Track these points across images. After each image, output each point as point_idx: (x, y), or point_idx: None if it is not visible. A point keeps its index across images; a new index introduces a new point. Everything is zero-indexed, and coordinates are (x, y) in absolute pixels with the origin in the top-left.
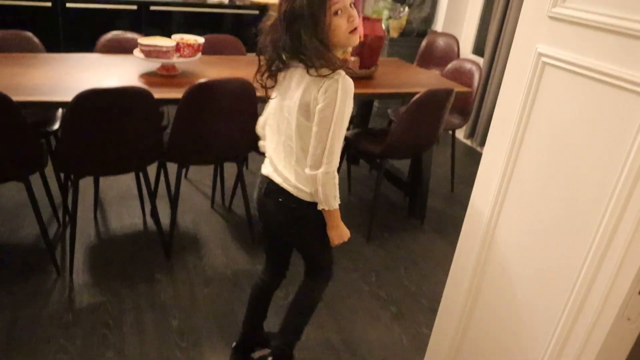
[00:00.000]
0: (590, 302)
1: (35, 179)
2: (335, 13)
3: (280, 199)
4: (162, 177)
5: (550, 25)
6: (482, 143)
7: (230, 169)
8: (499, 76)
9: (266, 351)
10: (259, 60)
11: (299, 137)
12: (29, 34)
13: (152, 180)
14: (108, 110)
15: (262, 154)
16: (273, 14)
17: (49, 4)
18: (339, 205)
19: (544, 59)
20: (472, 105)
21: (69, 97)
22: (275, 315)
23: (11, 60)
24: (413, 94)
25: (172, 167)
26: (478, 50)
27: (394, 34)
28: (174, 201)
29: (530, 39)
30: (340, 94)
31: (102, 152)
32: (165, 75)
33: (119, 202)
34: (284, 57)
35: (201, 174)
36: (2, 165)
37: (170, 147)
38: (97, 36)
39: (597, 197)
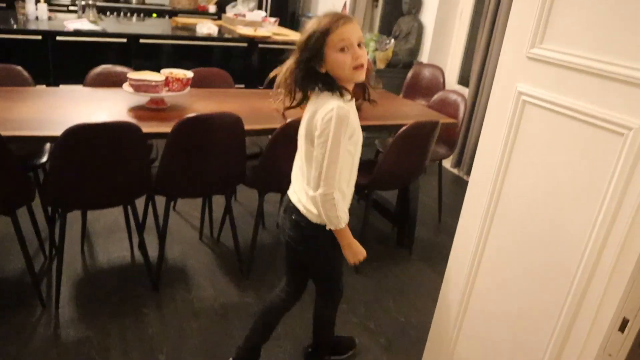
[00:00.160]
0: (572, 339)
1: (21, 211)
2: (342, 50)
3: (293, 216)
4: (150, 209)
5: (529, 65)
6: (469, 172)
7: (219, 200)
8: (484, 106)
9: None
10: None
11: (307, 162)
12: (19, 68)
13: (140, 212)
14: (96, 145)
15: (250, 187)
16: (295, 51)
17: (39, 37)
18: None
19: (524, 97)
20: (458, 135)
21: (57, 132)
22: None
23: (1, 94)
24: (400, 126)
25: (160, 199)
26: (463, 80)
27: (381, 65)
28: (162, 234)
29: (511, 78)
30: (334, 122)
31: (90, 187)
32: (154, 109)
33: (107, 234)
34: (302, 88)
35: (189, 206)
36: None
37: (159, 180)
38: (87, 69)
39: (579, 232)
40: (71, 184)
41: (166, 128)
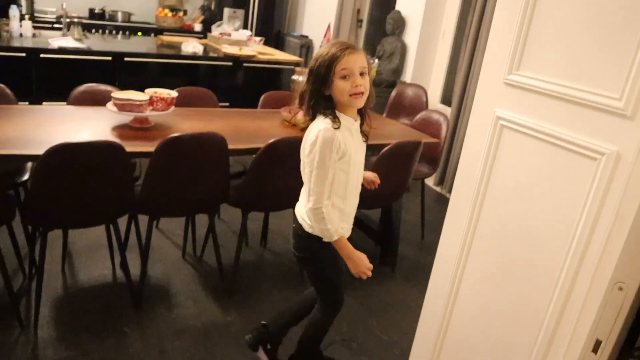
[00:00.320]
0: None
1: (1, 229)
2: (343, 77)
3: (294, 225)
4: (132, 228)
5: (507, 90)
6: (451, 190)
7: (202, 218)
8: (466, 125)
9: None
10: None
11: (304, 177)
12: (2, 86)
13: (122, 231)
14: (79, 165)
15: (234, 206)
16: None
17: (23, 55)
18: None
19: (501, 122)
20: (440, 154)
21: (40, 151)
22: None
23: None
24: (383, 146)
25: (143, 217)
26: (446, 100)
27: None
28: (144, 253)
29: (489, 103)
30: (319, 143)
31: (73, 206)
32: (138, 128)
33: (88, 253)
34: (310, 108)
35: (172, 224)
36: None
37: (142, 200)
38: (71, 87)
39: (554, 256)
40: (53, 203)
41: (150, 147)
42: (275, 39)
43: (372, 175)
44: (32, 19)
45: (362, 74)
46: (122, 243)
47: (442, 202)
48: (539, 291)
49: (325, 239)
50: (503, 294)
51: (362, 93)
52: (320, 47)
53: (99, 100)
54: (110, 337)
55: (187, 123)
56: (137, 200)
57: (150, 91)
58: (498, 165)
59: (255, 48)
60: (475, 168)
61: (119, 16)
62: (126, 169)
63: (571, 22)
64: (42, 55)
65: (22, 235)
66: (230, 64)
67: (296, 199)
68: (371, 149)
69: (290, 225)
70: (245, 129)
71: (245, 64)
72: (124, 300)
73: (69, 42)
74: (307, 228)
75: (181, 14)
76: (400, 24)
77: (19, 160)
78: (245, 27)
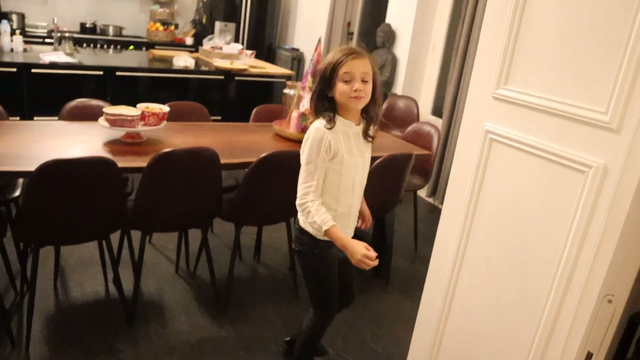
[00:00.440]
0: None
1: None
2: (345, 81)
3: (296, 225)
4: (125, 243)
5: (495, 105)
6: (444, 201)
7: (195, 232)
8: (457, 136)
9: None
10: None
11: None
12: None
13: (115, 246)
14: (71, 181)
15: (226, 220)
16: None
17: (14, 70)
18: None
19: (490, 135)
20: (432, 166)
21: (31, 167)
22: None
23: None
24: (375, 158)
25: (136, 232)
26: (437, 111)
27: None
28: (137, 268)
29: (478, 117)
30: (309, 141)
31: (64, 222)
32: (130, 143)
33: (81, 268)
34: (316, 108)
35: (165, 238)
36: None
37: (135, 215)
38: (62, 101)
39: (546, 268)
40: (45, 219)
41: (142, 162)
42: (266, 52)
43: (368, 214)
44: (23, 33)
45: (364, 80)
46: (115, 258)
47: (435, 213)
48: (530, 304)
49: (317, 233)
50: (495, 304)
51: (359, 97)
52: (311, 61)
53: (90, 115)
54: (103, 354)
55: (179, 137)
56: (130, 216)
57: (142, 106)
58: (488, 178)
59: (246, 61)
60: (466, 181)
61: (110, 30)
62: (118, 185)
63: (557, 38)
64: (33, 70)
65: (14, 251)
66: (221, 77)
67: (289, 213)
68: None
69: (284, 238)
70: (238, 143)
71: (236, 78)
72: (117, 317)
73: (60, 56)
74: (301, 223)
75: (172, 27)
76: (391, 36)
77: (10, 177)
78: (236, 40)
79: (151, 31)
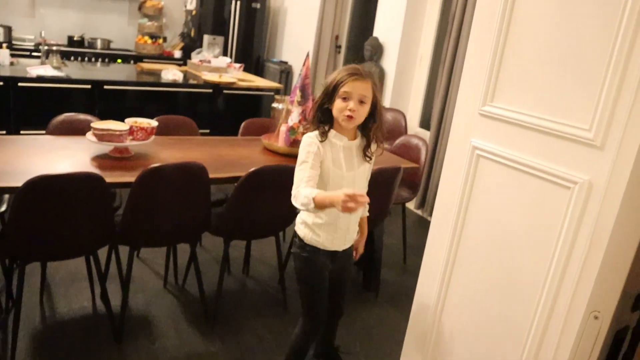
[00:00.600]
0: None
1: None
2: (343, 98)
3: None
4: (113, 257)
5: (482, 121)
6: (432, 212)
7: (183, 246)
8: (445, 148)
9: None
10: None
11: None
12: None
13: (102, 261)
14: (58, 197)
15: (215, 234)
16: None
17: (0, 83)
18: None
19: (477, 151)
20: (420, 179)
21: (18, 183)
22: None
23: None
24: None
25: (123, 247)
26: (424, 123)
27: None
28: (125, 284)
29: (465, 133)
30: (301, 147)
31: (52, 239)
32: (118, 158)
33: (68, 284)
34: (316, 120)
35: (153, 253)
36: None
37: (123, 230)
38: (49, 115)
39: (533, 282)
40: (31, 235)
41: (130, 177)
42: (254, 65)
43: (361, 247)
44: (10, 47)
45: (361, 102)
46: (103, 274)
47: (423, 225)
48: (518, 319)
49: (311, 208)
50: (483, 320)
51: (351, 117)
52: (299, 75)
53: (78, 129)
54: None
55: (168, 152)
56: (118, 232)
57: (130, 121)
58: (476, 193)
59: (235, 75)
60: (454, 196)
61: (98, 43)
62: (106, 200)
63: (542, 56)
64: (20, 84)
65: None
66: (210, 91)
67: (278, 227)
68: None
69: (274, 251)
70: (226, 157)
71: (225, 91)
72: (105, 333)
73: (47, 70)
74: (296, 226)
75: (161, 40)
76: (378, 49)
77: None
78: (225, 53)
79: (139, 44)
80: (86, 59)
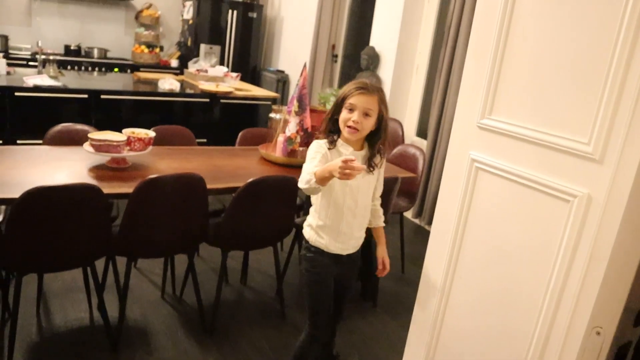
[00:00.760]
0: None
1: None
2: (349, 110)
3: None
4: (110, 268)
5: (480, 134)
6: (430, 221)
7: (181, 256)
8: (442, 157)
9: None
10: None
11: None
12: None
13: (99, 272)
14: (55, 208)
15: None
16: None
17: None
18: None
19: (476, 164)
20: (418, 188)
21: (15, 194)
22: None
23: None
24: None
25: (121, 257)
26: (421, 132)
27: None
28: (122, 295)
29: (464, 146)
30: (310, 148)
31: (48, 250)
32: (116, 169)
33: (64, 294)
34: (326, 129)
35: (151, 263)
36: None
37: (120, 241)
38: (46, 125)
39: (533, 295)
40: (28, 247)
41: (128, 188)
42: (251, 75)
43: (386, 262)
44: (7, 56)
45: (365, 115)
46: (100, 284)
47: (421, 234)
48: (518, 335)
49: (313, 183)
50: (483, 335)
51: (356, 129)
52: (296, 85)
53: (75, 140)
54: None
55: (165, 162)
56: (115, 242)
57: (127, 131)
58: (475, 206)
59: (232, 84)
60: (453, 209)
61: (95, 53)
62: (104, 211)
63: (540, 68)
64: (16, 94)
65: None
66: (207, 100)
67: (275, 237)
68: None
69: (271, 261)
70: (224, 167)
71: (222, 100)
72: (102, 344)
73: (44, 80)
74: (304, 229)
75: (157, 50)
76: (375, 59)
77: None
78: (221, 63)
79: (136, 53)
80: (83, 68)
